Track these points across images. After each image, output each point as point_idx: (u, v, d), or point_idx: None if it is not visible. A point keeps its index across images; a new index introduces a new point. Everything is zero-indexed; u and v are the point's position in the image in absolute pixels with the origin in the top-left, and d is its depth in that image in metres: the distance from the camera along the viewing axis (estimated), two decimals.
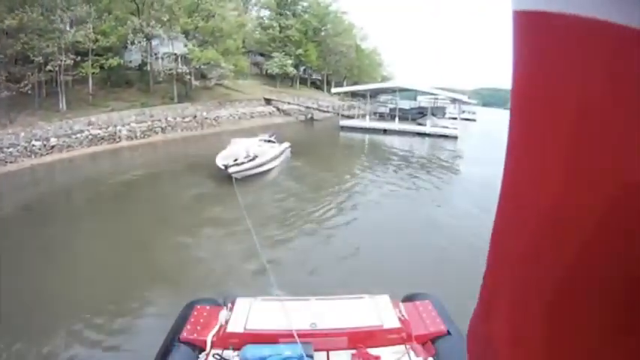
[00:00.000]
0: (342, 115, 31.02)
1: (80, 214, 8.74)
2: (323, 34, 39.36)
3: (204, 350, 2.67)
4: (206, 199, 9.93)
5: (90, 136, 14.27)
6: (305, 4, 36.50)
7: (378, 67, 63.49)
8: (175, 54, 19.89)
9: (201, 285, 5.18)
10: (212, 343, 2.69)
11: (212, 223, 7.84)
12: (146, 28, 17.63)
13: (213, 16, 21.73)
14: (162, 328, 2.97)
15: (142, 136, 16.52)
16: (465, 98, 38.27)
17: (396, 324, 2.78)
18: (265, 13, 34.94)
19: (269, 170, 12.22)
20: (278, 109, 29.45)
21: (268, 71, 32.56)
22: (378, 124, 27.83)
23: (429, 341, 2.85)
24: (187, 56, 19.84)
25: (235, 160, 11.13)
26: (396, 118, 28.14)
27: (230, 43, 23.33)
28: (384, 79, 64.40)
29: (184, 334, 2.75)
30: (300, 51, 34.47)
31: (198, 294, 3.60)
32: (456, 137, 25.55)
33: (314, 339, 2.60)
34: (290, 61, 32.55)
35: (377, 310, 2.90)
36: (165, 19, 18.67)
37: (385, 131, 26.32)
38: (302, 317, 2.77)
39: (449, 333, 2.86)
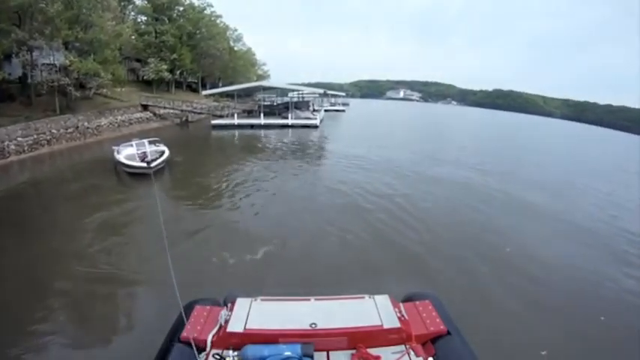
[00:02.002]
0: (214, 115, 35.49)
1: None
2: (198, 37, 42.54)
3: (204, 350, 2.78)
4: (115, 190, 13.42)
5: None
6: (180, 8, 39.10)
7: (252, 67, 68.84)
8: (55, 65, 21.39)
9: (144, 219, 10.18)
10: (212, 343, 2.80)
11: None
12: (29, 40, 19.03)
13: (92, 27, 23.67)
14: None
15: (30, 149, 18.34)
16: (322, 91, 47.81)
17: (396, 324, 2.87)
18: (142, 18, 36.06)
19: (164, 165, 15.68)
20: (155, 114, 32.29)
21: (145, 77, 34.39)
22: (245, 121, 33.53)
23: (429, 341, 2.96)
24: (69, 67, 21.59)
25: (144, 158, 14.71)
26: (262, 114, 34.06)
27: (108, 53, 25.47)
28: (260, 77, 70.79)
29: (184, 334, 2.89)
30: (175, 55, 37.36)
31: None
32: (316, 126, 34.10)
33: (314, 339, 2.70)
34: (165, 66, 35.35)
35: (377, 310, 3.00)
36: (47, 31, 20.21)
37: (252, 126, 32.58)
38: (302, 317, 2.88)
39: (449, 333, 2.97)
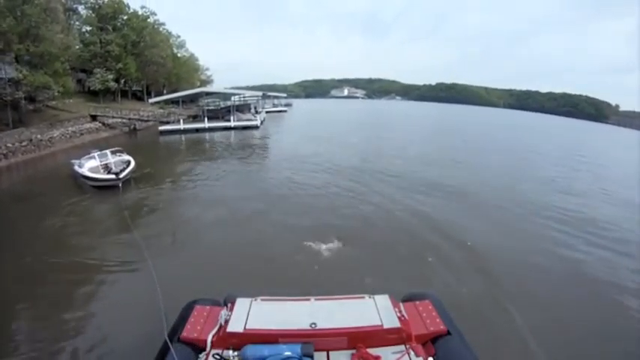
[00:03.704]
0: (161, 122, 36.96)
1: None
2: (142, 45, 43.00)
3: (204, 350, 2.86)
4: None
5: None
6: (125, 17, 39.55)
7: (195, 73, 69.31)
8: (3, 78, 21.91)
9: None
10: (212, 342, 2.88)
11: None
12: None
13: (42, 40, 24.28)
14: None
15: None
16: (261, 94, 50.74)
17: (396, 324, 2.93)
18: (87, 28, 36.04)
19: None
20: (104, 124, 32.90)
21: (91, 88, 34.62)
22: (191, 125, 35.99)
23: (429, 341, 3.03)
24: (22, 81, 22.20)
25: (109, 170, 14.57)
26: (206, 118, 36.53)
27: (58, 65, 26.10)
28: (204, 82, 71.68)
29: (184, 334, 2.99)
30: (120, 65, 37.89)
31: None
32: (257, 127, 37.92)
33: (314, 339, 2.75)
34: (111, 76, 35.82)
35: (377, 310, 3.07)
36: (0, 46, 20.83)
37: (197, 130, 35.17)
38: (302, 317, 2.94)
39: (449, 333, 3.06)
